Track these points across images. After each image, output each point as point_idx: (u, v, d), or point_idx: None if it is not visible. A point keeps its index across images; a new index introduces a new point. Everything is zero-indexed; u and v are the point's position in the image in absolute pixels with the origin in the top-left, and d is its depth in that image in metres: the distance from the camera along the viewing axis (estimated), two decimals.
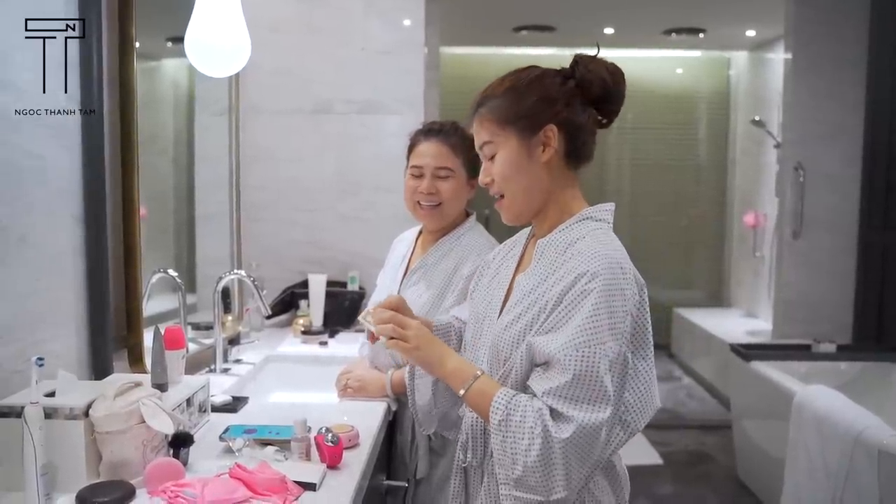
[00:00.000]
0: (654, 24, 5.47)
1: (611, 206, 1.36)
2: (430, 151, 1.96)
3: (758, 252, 5.50)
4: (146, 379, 1.51)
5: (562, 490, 1.17)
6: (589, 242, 1.26)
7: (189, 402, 1.58)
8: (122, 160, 1.78)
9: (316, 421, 1.53)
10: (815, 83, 4.12)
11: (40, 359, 1.22)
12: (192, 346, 2.13)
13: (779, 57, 5.11)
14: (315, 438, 1.46)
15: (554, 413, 1.18)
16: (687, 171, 6.53)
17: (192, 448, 1.43)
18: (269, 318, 2.68)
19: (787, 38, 4.32)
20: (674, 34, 5.65)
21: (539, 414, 1.18)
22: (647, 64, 6.23)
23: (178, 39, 2.00)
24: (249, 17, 2.10)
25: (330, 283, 2.83)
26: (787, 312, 4.27)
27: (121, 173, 1.78)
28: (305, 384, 2.32)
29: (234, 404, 1.85)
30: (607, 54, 1.34)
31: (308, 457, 1.45)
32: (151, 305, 1.96)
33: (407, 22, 3.02)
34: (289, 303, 2.91)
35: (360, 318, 1.44)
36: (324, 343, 2.58)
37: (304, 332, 2.65)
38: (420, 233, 2.13)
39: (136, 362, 1.83)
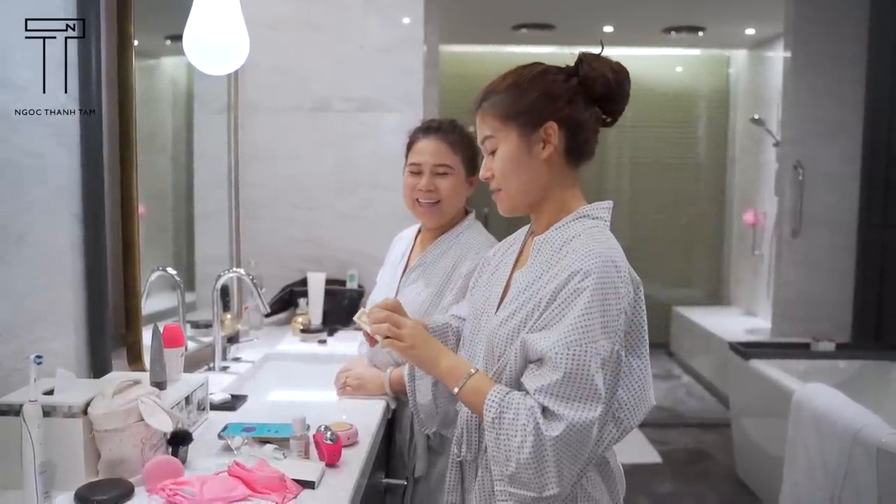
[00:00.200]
0: (653, 23, 5.47)
1: (609, 203, 1.36)
2: (428, 149, 1.96)
3: (757, 250, 5.50)
4: (145, 377, 1.51)
5: (554, 486, 1.18)
6: (584, 240, 1.26)
7: (188, 400, 1.58)
8: (121, 159, 1.78)
9: (315, 419, 1.53)
10: (815, 81, 4.13)
11: (39, 357, 1.22)
12: (190, 345, 2.13)
13: (778, 55, 5.11)
14: (314, 437, 1.46)
15: (545, 411, 1.19)
16: (686, 169, 6.53)
17: (190, 446, 1.43)
18: (268, 316, 2.67)
19: (786, 36, 4.32)
20: (673, 32, 5.65)
21: (531, 412, 1.19)
22: (646, 62, 6.23)
23: (177, 37, 1.99)
24: (248, 15, 2.10)
25: (329, 282, 2.83)
26: (786, 311, 4.27)
27: (119, 172, 1.78)
28: (304, 382, 2.32)
29: (233, 402, 1.85)
30: (606, 52, 1.34)
31: (307, 455, 1.45)
32: (150, 304, 1.96)
33: (406, 20, 3.02)
34: (288, 301, 2.91)
35: (355, 318, 1.45)
36: (323, 341, 2.58)
37: (303, 331, 2.65)
38: (419, 231, 2.13)
39: (134, 360, 1.83)
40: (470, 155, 1.99)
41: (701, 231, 6.57)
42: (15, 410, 1.23)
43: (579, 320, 1.19)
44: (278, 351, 2.47)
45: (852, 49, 4.07)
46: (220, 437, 1.53)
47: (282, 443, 1.48)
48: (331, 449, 1.44)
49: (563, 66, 1.34)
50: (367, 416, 1.73)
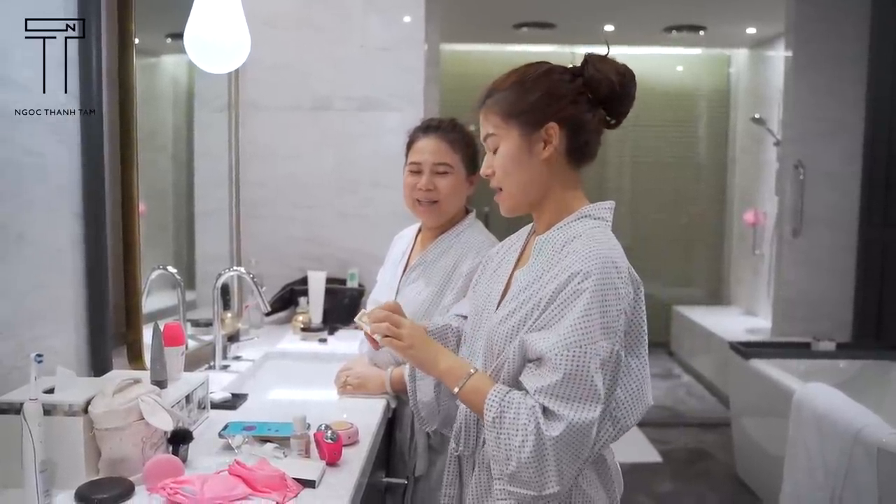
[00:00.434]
0: (654, 22, 5.47)
1: (610, 204, 1.36)
2: (428, 148, 1.95)
3: (757, 250, 5.50)
4: (145, 376, 1.50)
5: (554, 485, 1.19)
6: (584, 241, 1.26)
7: (188, 398, 1.58)
8: (122, 157, 1.78)
9: (315, 418, 1.53)
10: (816, 81, 4.12)
11: (39, 355, 1.22)
12: (191, 343, 2.13)
13: (779, 54, 5.11)
14: (314, 435, 1.46)
15: (545, 411, 1.19)
16: (687, 168, 6.53)
17: (191, 445, 1.43)
18: (268, 314, 2.67)
19: (787, 35, 4.32)
20: (674, 31, 5.64)
21: (532, 411, 1.19)
22: (647, 61, 6.22)
23: (178, 36, 1.99)
24: (248, 13, 2.10)
25: (329, 280, 2.83)
26: (786, 310, 4.27)
27: (120, 170, 1.78)
28: (305, 381, 2.32)
29: (234, 401, 1.85)
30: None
31: (307, 454, 1.45)
32: (151, 302, 1.96)
33: (407, 18, 3.01)
34: (288, 300, 2.91)
35: (356, 319, 1.45)
36: (323, 340, 2.58)
37: (303, 329, 2.65)
38: (420, 230, 2.12)
39: (135, 359, 1.83)
40: (470, 154, 1.99)
41: (701, 230, 6.57)
42: (15, 409, 1.23)
43: (579, 321, 1.19)
44: (279, 350, 2.47)
45: (853, 48, 4.07)
46: (220, 435, 1.53)
47: (282, 442, 1.48)
48: (331, 448, 1.44)
49: (570, 65, 1.34)
50: (367, 415, 1.73)
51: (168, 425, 1.34)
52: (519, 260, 1.43)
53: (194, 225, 2.55)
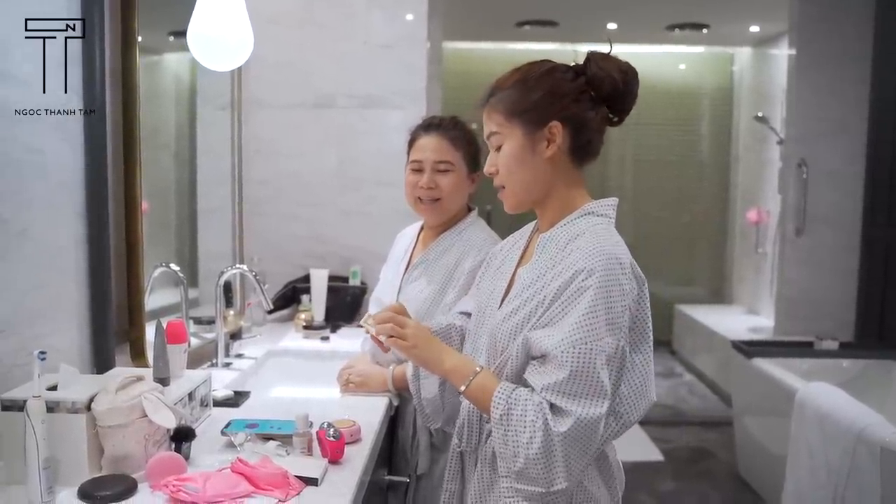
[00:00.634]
0: (657, 20, 5.46)
1: (613, 201, 1.37)
2: (429, 145, 1.95)
3: (760, 249, 5.49)
4: (148, 373, 1.50)
5: (563, 481, 1.19)
6: (588, 238, 1.27)
7: (191, 396, 1.58)
8: (124, 155, 1.78)
9: (318, 416, 1.53)
10: (819, 79, 4.12)
11: (43, 352, 1.22)
12: (193, 341, 2.13)
13: (782, 53, 5.10)
14: (317, 433, 1.46)
15: (553, 407, 1.20)
16: (689, 167, 6.52)
17: (193, 442, 1.43)
18: (270, 312, 2.67)
19: (790, 34, 4.31)
20: (677, 30, 5.63)
21: (539, 407, 1.20)
22: (650, 60, 6.21)
23: (181, 33, 1.99)
24: (251, 11, 2.10)
25: (332, 278, 2.83)
26: (789, 309, 4.26)
27: (123, 168, 1.78)
28: (307, 379, 2.32)
29: (236, 399, 1.85)
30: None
31: (310, 452, 1.45)
32: (153, 300, 1.96)
33: (409, 16, 3.01)
34: (290, 297, 2.91)
35: (361, 322, 1.46)
36: (325, 338, 2.58)
37: (305, 327, 2.65)
38: (422, 228, 2.12)
39: (137, 356, 1.83)
40: (471, 152, 1.98)
41: (704, 229, 6.56)
42: (19, 406, 1.23)
43: (584, 318, 1.19)
44: (281, 347, 2.47)
45: (857, 47, 4.06)
46: (223, 433, 1.53)
47: (285, 439, 1.48)
48: (334, 446, 1.44)
49: (573, 63, 1.34)
50: (369, 413, 1.73)
51: (171, 423, 1.34)
52: (522, 257, 1.43)
53: (197, 222, 2.55)
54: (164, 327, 1.63)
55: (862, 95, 4.08)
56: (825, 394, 2.89)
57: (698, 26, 5.56)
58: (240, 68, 2.64)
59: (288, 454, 1.43)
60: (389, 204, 2.97)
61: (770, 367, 3.42)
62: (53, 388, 1.32)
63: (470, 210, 2.05)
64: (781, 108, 4.79)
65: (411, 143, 2.02)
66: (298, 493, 1.29)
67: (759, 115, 5.22)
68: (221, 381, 1.96)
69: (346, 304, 2.85)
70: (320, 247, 3.05)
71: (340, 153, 3.05)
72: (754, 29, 5.54)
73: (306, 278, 2.84)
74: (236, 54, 2.06)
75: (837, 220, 4.15)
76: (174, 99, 2.44)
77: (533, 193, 1.36)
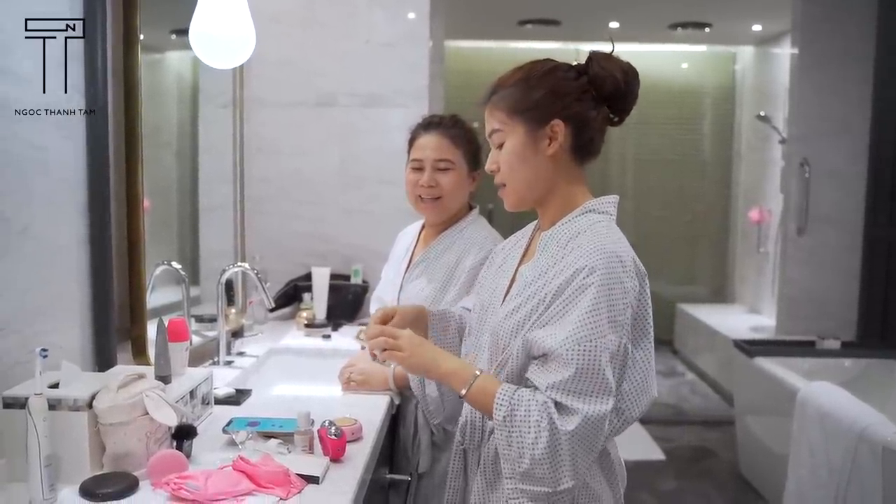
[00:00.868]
0: (659, 19, 5.45)
1: (614, 198, 1.38)
2: (429, 144, 1.96)
3: (762, 248, 5.48)
4: (149, 371, 1.51)
5: (569, 480, 1.20)
6: (589, 236, 1.27)
7: (192, 394, 1.58)
8: (126, 153, 1.78)
9: (319, 414, 1.53)
10: (821, 79, 4.11)
11: (44, 350, 1.22)
12: (195, 339, 2.13)
13: (785, 52, 5.09)
14: (318, 431, 1.46)
15: (559, 406, 1.20)
16: (691, 166, 6.51)
17: (195, 440, 1.43)
18: (272, 310, 2.67)
19: (793, 33, 4.30)
20: (679, 29, 5.62)
21: (545, 407, 1.19)
22: (652, 59, 6.20)
23: (183, 32, 1.99)
24: (253, 9, 2.10)
25: (333, 276, 2.83)
26: (790, 309, 4.26)
27: (124, 166, 1.78)
28: (308, 377, 2.32)
29: (238, 397, 1.85)
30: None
31: (311, 450, 1.45)
32: (155, 298, 1.96)
33: (411, 15, 3.01)
34: (292, 296, 2.91)
35: (357, 336, 1.47)
36: (327, 336, 2.58)
37: (307, 325, 2.65)
38: (423, 227, 2.12)
39: (139, 354, 1.83)
40: (472, 150, 1.99)
41: (706, 228, 6.55)
42: (21, 403, 1.24)
43: (587, 316, 1.20)
44: (282, 346, 2.47)
45: (859, 47, 4.05)
46: (224, 431, 1.53)
47: (286, 438, 1.48)
48: (335, 444, 1.44)
49: (574, 62, 1.35)
50: (371, 412, 1.73)
51: (172, 420, 1.34)
52: (524, 256, 1.44)
53: (199, 221, 2.55)
54: (166, 325, 1.63)
55: (864, 95, 4.07)
56: (827, 393, 2.88)
57: (700, 25, 5.55)
58: (242, 66, 2.64)
59: (289, 452, 1.43)
60: (391, 202, 2.97)
61: (772, 366, 3.41)
62: (55, 385, 1.33)
63: (471, 208, 2.05)
64: (783, 107, 4.79)
65: (411, 141, 2.02)
66: (300, 492, 1.29)
67: (762, 114, 5.21)
68: (223, 379, 1.96)
69: (347, 303, 2.85)
70: (322, 245, 3.05)
71: (342, 151, 3.05)
72: (757, 28, 5.53)
73: (308, 276, 2.84)
74: (238, 52, 2.06)
75: (839, 219, 4.14)
76: (176, 97, 2.44)
77: (534, 191, 1.36)
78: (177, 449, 1.38)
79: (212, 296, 2.25)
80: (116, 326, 1.72)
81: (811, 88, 4.12)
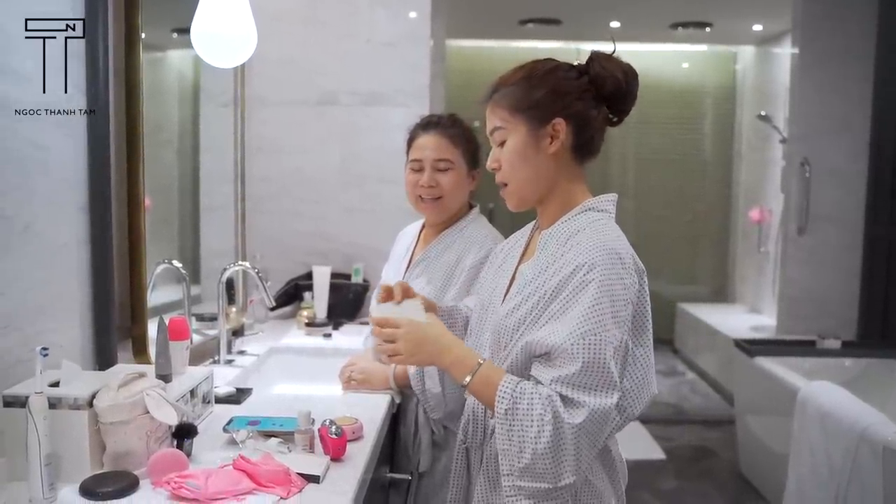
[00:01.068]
0: (660, 18, 5.45)
1: (613, 196, 1.39)
2: (429, 144, 1.96)
3: (762, 247, 5.48)
4: (150, 370, 1.51)
5: (571, 475, 1.19)
6: (588, 234, 1.28)
7: (193, 393, 1.58)
8: (127, 152, 1.78)
9: (320, 413, 1.53)
10: (822, 78, 4.10)
11: (45, 349, 1.22)
12: (196, 338, 2.13)
13: (785, 52, 5.08)
14: (319, 430, 1.46)
15: (565, 400, 1.20)
16: (692, 165, 6.50)
17: (195, 439, 1.43)
18: (273, 309, 2.67)
19: (793, 32, 4.30)
20: (680, 28, 5.62)
21: (549, 401, 1.19)
22: (652, 58, 6.20)
23: (184, 30, 1.99)
24: (255, 8, 2.10)
25: (334, 275, 2.83)
26: (791, 308, 4.25)
27: (125, 165, 1.78)
28: (309, 376, 2.32)
29: (238, 396, 1.85)
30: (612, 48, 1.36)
31: (312, 449, 1.45)
32: (156, 296, 1.96)
33: (413, 14, 3.01)
34: (293, 295, 2.91)
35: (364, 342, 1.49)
36: (328, 335, 2.58)
37: (307, 324, 2.65)
38: (423, 226, 2.12)
39: (140, 353, 1.83)
40: (471, 149, 1.99)
41: (706, 228, 6.55)
42: (21, 402, 1.24)
43: (590, 311, 1.20)
44: (283, 344, 2.47)
45: (860, 46, 4.05)
46: (224, 430, 1.53)
47: (287, 436, 1.48)
48: (336, 443, 1.44)
49: (575, 62, 1.35)
50: (371, 411, 1.73)
51: (172, 419, 1.34)
52: (524, 254, 1.44)
53: (199, 219, 2.55)
54: (167, 324, 1.63)
55: (865, 94, 4.07)
56: (827, 393, 2.88)
57: (701, 25, 5.54)
58: (243, 65, 2.64)
59: (290, 451, 1.43)
60: (392, 201, 2.97)
61: (772, 365, 3.41)
62: (55, 384, 1.32)
63: (471, 207, 2.05)
64: (784, 106, 4.78)
65: (410, 142, 2.02)
66: (300, 491, 1.29)
67: (762, 113, 5.21)
68: (223, 378, 1.96)
69: (348, 302, 2.85)
70: (323, 244, 3.05)
71: (343, 150, 3.05)
72: (757, 27, 5.53)
73: (309, 275, 2.85)
74: (239, 51, 2.06)
75: (840, 218, 4.14)
76: (177, 96, 2.44)
77: (536, 190, 1.36)
78: (177, 448, 1.38)
79: (212, 294, 2.25)
80: (117, 325, 1.72)
81: (812, 87, 4.12)
